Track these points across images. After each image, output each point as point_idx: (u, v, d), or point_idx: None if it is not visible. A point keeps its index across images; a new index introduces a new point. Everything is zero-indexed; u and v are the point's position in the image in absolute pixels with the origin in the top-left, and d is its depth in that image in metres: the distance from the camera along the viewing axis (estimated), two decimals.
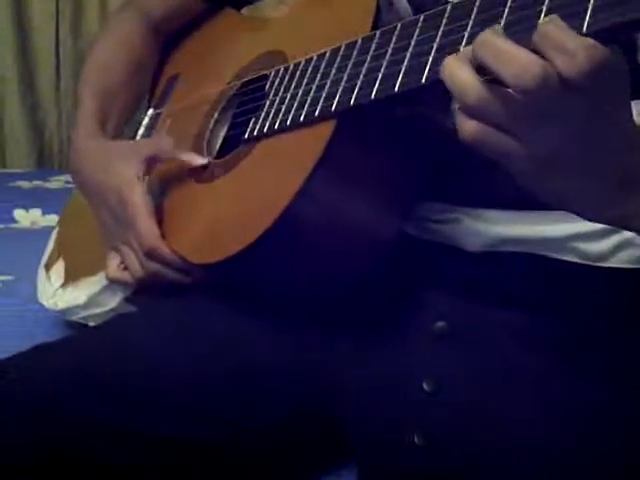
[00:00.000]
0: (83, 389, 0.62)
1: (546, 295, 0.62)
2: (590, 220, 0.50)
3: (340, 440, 0.65)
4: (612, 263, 0.62)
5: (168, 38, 0.90)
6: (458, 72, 0.43)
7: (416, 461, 0.60)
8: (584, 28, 0.40)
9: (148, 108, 0.88)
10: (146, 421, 0.61)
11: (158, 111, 0.86)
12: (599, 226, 0.61)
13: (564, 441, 0.58)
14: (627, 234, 0.61)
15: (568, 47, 0.40)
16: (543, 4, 0.42)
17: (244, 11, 0.85)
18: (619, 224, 0.51)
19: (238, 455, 0.64)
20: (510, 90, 0.41)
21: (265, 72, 0.68)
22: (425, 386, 0.61)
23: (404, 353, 0.63)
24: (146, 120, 0.87)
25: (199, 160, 0.71)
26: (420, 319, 0.63)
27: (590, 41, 0.40)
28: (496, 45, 0.41)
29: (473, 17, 0.47)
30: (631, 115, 0.45)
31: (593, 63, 0.40)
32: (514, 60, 0.41)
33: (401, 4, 0.62)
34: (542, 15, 0.42)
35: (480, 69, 0.42)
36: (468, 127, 0.44)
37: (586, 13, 0.40)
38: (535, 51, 0.41)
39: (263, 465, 0.65)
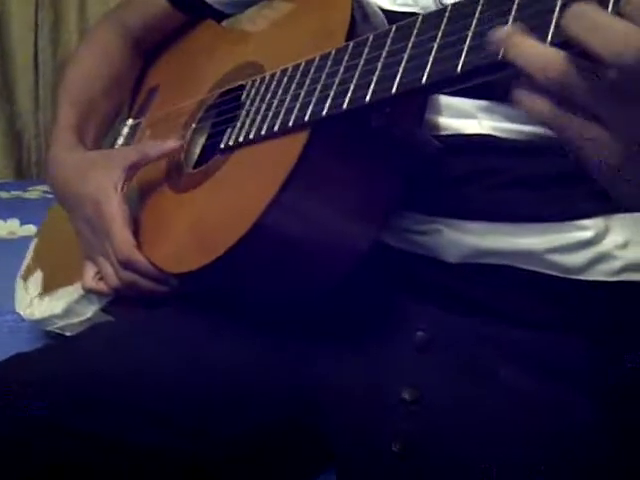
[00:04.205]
0: (61, 399, 0.61)
1: (525, 307, 0.63)
2: None
3: (321, 449, 0.65)
4: (590, 276, 0.62)
5: (148, 49, 0.90)
6: (528, 44, 0.38)
7: (396, 470, 0.60)
8: None
9: (128, 118, 0.88)
10: (126, 432, 0.61)
11: (138, 121, 0.86)
12: (576, 239, 0.62)
13: (543, 454, 0.58)
14: (604, 247, 0.62)
15: None
16: (510, 14, 0.42)
17: (224, 23, 0.86)
18: None
19: (220, 466, 0.63)
20: (601, 67, 0.36)
21: (242, 82, 0.69)
22: (405, 395, 0.61)
23: (384, 362, 0.63)
24: (125, 130, 0.87)
25: (171, 143, 0.72)
26: (401, 329, 0.64)
27: None
28: (592, 17, 0.36)
29: (442, 28, 0.47)
30: None
31: None
32: (612, 30, 0.35)
33: (376, 16, 0.63)
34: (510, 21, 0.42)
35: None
36: (540, 106, 0.38)
37: None
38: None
39: (245, 475, 0.65)
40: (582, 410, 0.60)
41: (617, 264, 0.62)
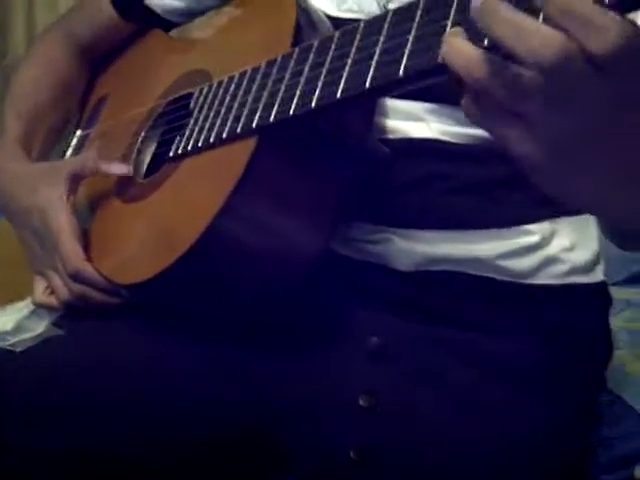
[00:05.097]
0: (10, 415, 0.60)
1: (477, 312, 0.63)
2: (593, 213, 0.47)
3: (277, 458, 0.65)
4: (539, 279, 0.63)
5: (97, 58, 0.89)
6: (459, 45, 0.39)
7: (353, 476, 0.60)
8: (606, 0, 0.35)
9: (77, 129, 0.87)
10: (78, 443, 0.60)
11: (86, 132, 0.85)
12: (524, 244, 0.63)
13: (499, 457, 0.59)
14: (551, 251, 0.63)
15: (597, 22, 0.35)
16: (448, 19, 0.43)
17: (173, 32, 0.85)
18: (620, 221, 0.47)
19: (176, 475, 0.63)
20: (521, 67, 0.37)
21: (190, 90, 0.68)
22: (361, 402, 0.61)
23: (339, 370, 0.63)
24: (74, 141, 0.86)
25: (121, 168, 0.70)
26: (355, 336, 0.64)
27: (617, 16, 0.35)
28: (510, 18, 0.37)
29: (384, 33, 0.47)
30: None
31: (626, 41, 0.35)
32: (534, 33, 0.36)
33: (322, 22, 0.63)
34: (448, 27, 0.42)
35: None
36: (471, 107, 0.40)
37: None
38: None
39: None
40: (536, 410, 0.61)
41: (564, 267, 0.63)
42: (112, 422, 0.61)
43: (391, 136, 0.63)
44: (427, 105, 0.62)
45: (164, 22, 0.84)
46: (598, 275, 0.66)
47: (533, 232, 0.63)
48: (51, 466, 0.60)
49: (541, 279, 0.63)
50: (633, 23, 0.36)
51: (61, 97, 0.85)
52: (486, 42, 0.38)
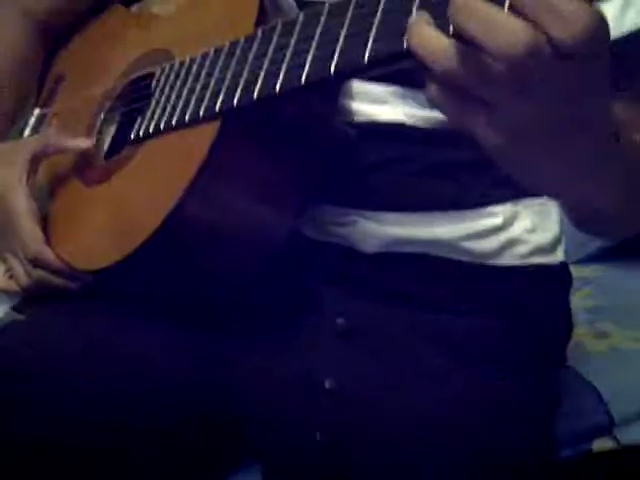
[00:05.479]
0: None
1: (440, 294, 0.64)
2: (551, 196, 0.48)
3: (243, 440, 0.65)
4: (500, 260, 0.64)
5: (54, 35, 0.86)
6: (426, 32, 0.38)
7: (318, 459, 0.60)
8: None
9: (34, 107, 0.85)
10: (49, 432, 0.59)
11: (45, 111, 0.83)
12: (487, 225, 0.63)
13: (461, 436, 0.59)
14: (514, 232, 0.64)
15: (564, 10, 0.35)
16: (414, 3, 0.42)
17: (133, 8, 0.83)
18: (580, 205, 0.48)
19: (142, 460, 0.62)
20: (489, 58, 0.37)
21: (151, 70, 0.67)
22: (327, 384, 0.61)
23: (305, 352, 0.63)
24: (32, 120, 0.83)
25: (84, 142, 0.69)
26: (320, 318, 0.64)
27: (584, 4, 0.36)
28: (479, 9, 0.36)
29: (349, 16, 0.47)
30: (609, 97, 0.41)
31: (590, 28, 0.35)
32: (501, 26, 0.36)
33: (286, 3, 0.62)
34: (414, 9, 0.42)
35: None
36: (433, 89, 0.39)
37: None
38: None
39: (167, 469, 0.64)
40: (499, 387, 0.62)
41: (526, 248, 0.65)
42: (75, 407, 0.60)
43: (356, 119, 0.62)
44: (392, 88, 0.62)
45: None
46: (559, 256, 0.67)
47: (496, 214, 0.64)
48: (17, 455, 0.59)
49: (504, 260, 0.64)
50: (597, 10, 0.36)
51: (16, 76, 0.82)
52: (451, 29, 0.38)
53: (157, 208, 0.56)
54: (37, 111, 0.84)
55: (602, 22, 0.36)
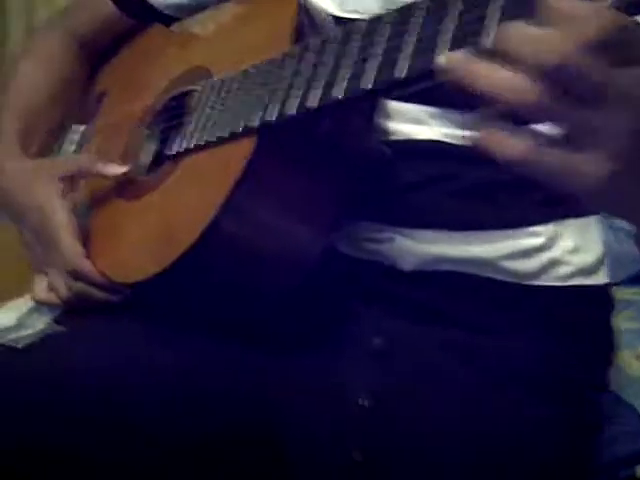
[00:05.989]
0: (16, 411, 0.60)
1: (480, 313, 0.63)
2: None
3: (279, 459, 0.64)
4: (542, 281, 0.63)
5: (97, 54, 0.88)
6: (492, 71, 0.36)
7: (355, 477, 0.60)
8: None
9: (77, 124, 0.87)
10: (83, 443, 0.60)
11: (86, 127, 0.85)
12: (528, 245, 0.63)
13: (498, 457, 0.59)
14: (555, 253, 0.63)
15: (583, 12, 0.35)
16: (450, 21, 0.42)
17: (174, 27, 0.84)
18: None
19: (177, 475, 0.62)
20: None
21: (191, 88, 0.68)
22: (362, 402, 0.61)
23: (341, 369, 0.63)
24: (75, 137, 0.85)
25: (117, 169, 0.70)
26: (357, 335, 0.64)
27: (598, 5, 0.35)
28: (526, 32, 0.35)
29: (386, 34, 0.47)
30: None
31: (613, 19, 0.35)
32: (540, 42, 0.35)
33: (324, 22, 0.62)
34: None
35: None
36: (519, 145, 0.36)
37: None
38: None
39: None
40: (539, 411, 0.61)
41: (568, 269, 0.63)
42: (111, 420, 0.61)
43: (394, 138, 0.62)
44: (430, 109, 0.62)
45: (164, 17, 0.83)
46: (601, 277, 0.66)
47: (538, 234, 0.63)
48: (51, 464, 0.59)
49: (545, 281, 0.63)
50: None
51: (60, 93, 0.84)
52: (488, 45, 0.38)
53: (194, 222, 0.57)
54: (80, 127, 0.86)
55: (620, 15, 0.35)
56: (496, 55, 0.36)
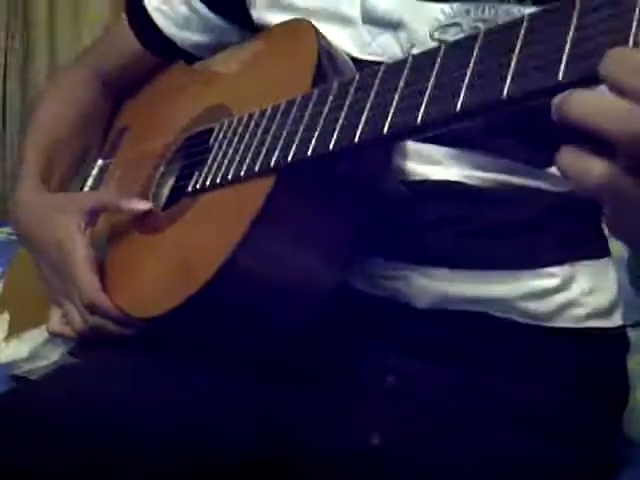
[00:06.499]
0: (21, 442, 0.60)
1: (495, 353, 0.63)
2: None
3: None
4: (558, 323, 0.63)
5: (120, 91, 0.90)
6: (594, 99, 0.34)
7: None
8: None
9: (98, 159, 0.88)
10: (98, 475, 0.59)
11: (107, 162, 0.86)
12: (544, 286, 0.63)
13: None
14: (571, 294, 0.63)
15: None
16: (468, 67, 0.43)
17: (196, 65, 0.86)
18: None
19: None
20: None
21: (210, 126, 0.69)
22: (374, 440, 0.61)
23: (353, 406, 0.63)
24: (95, 171, 0.87)
25: (141, 205, 0.70)
26: (370, 373, 0.64)
27: None
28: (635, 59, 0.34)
29: (404, 78, 0.48)
30: None
31: None
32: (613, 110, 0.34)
33: (345, 64, 0.63)
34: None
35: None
36: (598, 170, 0.35)
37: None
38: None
39: None
40: (552, 454, 0.61)
41: (583, 311, 0.63)
42: (126, 454, 0.61)
43: (411, 178, 0.63)
44: (447, 150, 0.62)
45: (187, 55, 0.85)
46: (616, 319, 0.65)
47: (554, 275, 0.63)
48: None
49: (560, 322, 0.63)
50: None
51: (82, 129, 0.86)
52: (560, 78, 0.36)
53: (211, 259, 0.57)
54: (100, 162, 0.87)
55: None
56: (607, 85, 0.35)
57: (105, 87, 0.88)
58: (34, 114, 0.86)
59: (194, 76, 0.82)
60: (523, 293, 0.62)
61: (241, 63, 0.73)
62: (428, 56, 0.47)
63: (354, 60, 0.64)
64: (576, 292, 0.63)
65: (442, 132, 0.46)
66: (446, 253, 0.63)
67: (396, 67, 0.49)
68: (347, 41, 0.65)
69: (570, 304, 0.63)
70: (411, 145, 0.62)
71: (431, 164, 0.63)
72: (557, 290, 0.63)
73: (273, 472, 0.64)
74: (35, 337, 0.77)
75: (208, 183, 0.63)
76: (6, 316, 0.85)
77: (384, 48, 0.63)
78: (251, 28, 0.75)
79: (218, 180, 0.62)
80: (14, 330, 0.82)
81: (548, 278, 0.63)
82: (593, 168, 0.35)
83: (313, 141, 0.53)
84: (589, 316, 0.64)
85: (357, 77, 0.53)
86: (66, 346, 0.74)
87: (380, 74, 0.50)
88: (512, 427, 0.61)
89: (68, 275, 0.70)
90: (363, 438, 0.61)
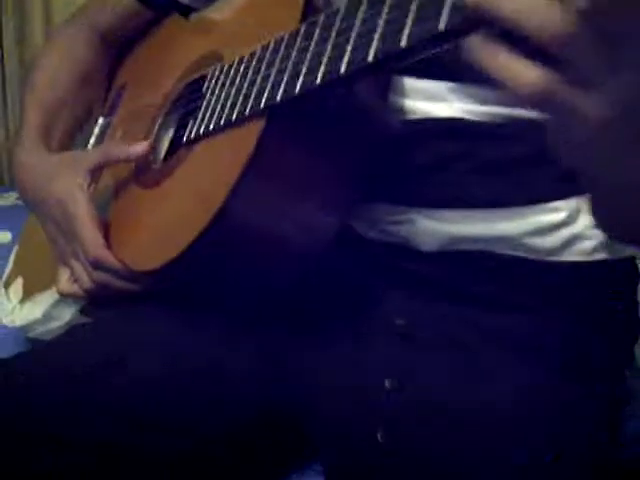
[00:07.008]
0: (37, 404, 0.60)
1: (503, 292, 0.62)
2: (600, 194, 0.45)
3: (305, 440, 0.64)
4: (565, 257, 0.62)
5: (118, 47, 0.89)
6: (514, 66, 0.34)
7: (379, 458, 0.59)
8: None
9: (99, 117, 0.87)
10: (113, 434, 0.60)
11: (108, 119, 0.85)
12: (550, 221, 0.61)
13: (529, 438, 0.57)
14: (578, 228, 0.62)
15: None
16: None
17: (192, 17, 0.84)
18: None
19: (204, 462, 0.63)
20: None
21: (203, 73, 0.67)
22: (387, 384, 0.60)
23: (365, 351, 0.63)
24: (97, 129, 0.86)
25: (138, 147, 0.70)
26: (380, 317, 0.63)
27: None
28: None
29: (388, 2, 0.46)
30: None
31: None
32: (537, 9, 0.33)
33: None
34: None
35: None
36: (531, 76, 0.35)
37: None
38: None
39: (228, 471, 0.64)
40: (563, 388, 0.60)
41: (590, 244, 0.62)
42: (139, 410, 0.61)
43: (412, 116, 0.61)
44: (448, 84, 0.60)
45: (183, 8, 0.83)
46: (625, 250, 0.64)
47: (560, 209, 0.61)
48: (80, 459, 0.60)
49: (567, 256, 0.62)
50: None
51: (81, 87, 0.85)
52: None
53: (207, 205, 0.56)
54: (101, 120, 0.86)
55: None
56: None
57: (103, 44, 0.87)
58: (32, 74, 0.85)
59: (189, 27, 0.80)
60: (529, 229, 0.61)
61: (233, 8, 0.72)
62: None
63: None
64: (583, 225, 0.62)
65: (429, 55, 0.44)
66: (450, 193, 0.62)
67: None
68: None
69: (577, 237, 0.62)
70: (410, 81, 0.60)
71: (432, 100, 0.61)
72: (563, 224, 0.61)
73: (283, 422, 0.64)
74: (47, 298, 0.78)
75: (202, 131, 0.62)
76: (20, 280, 0.86)
77: None
78: None
79: (211, 127, 0.61)
80: (27, 293, 0.83)
81: (554, 213, 0.61)
82: (526, 72, 0.34)
83: (301, 77, 0.51)
84: (597, 249, 0.62)
85: (342, 7, 0.51)
86: (78, 305, 0.74)
87: (365, 1, 0.48)
88: (523, 363, 0.60)
89: (72, 233, 0.70)
90: (377, 382, 0.60)
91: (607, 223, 0.52)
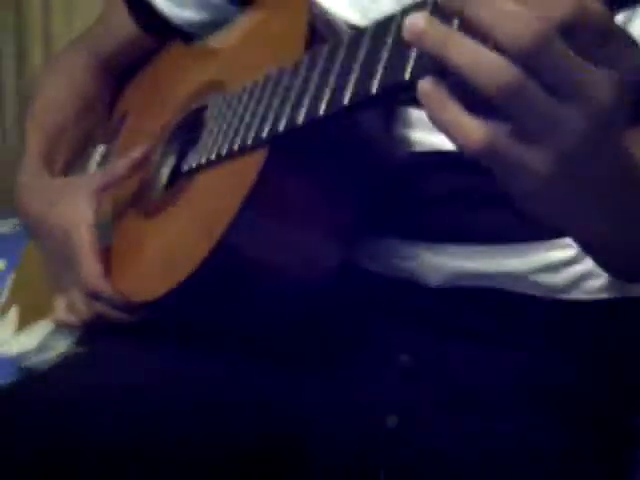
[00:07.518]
0: (29, 435, 0.59)
1: (510, 329, 0.61)
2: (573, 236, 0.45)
3: (307, 472, 0.63)
4: (574, 295, 0.61)
5: (120, 74, 0.89)
6: (470, 45, 0.34)
7: None
8: None
9: (100, 144, 0.87)
10: (107, 465, 0.58)
11: (109, 147, 0.85)
12: (558, 258, 0.60)
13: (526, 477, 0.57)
14: (588, 265, 0.61)
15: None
16: None
17: (194, 45, 0.84)
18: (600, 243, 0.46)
19: None
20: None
21: (205, 102, 0.67)
22: (388, 422, 0.60)
23: (368, 387, 0.62)
24: (97, 156, 0.85)
25: (136, 153, 0.71)
26: (384, 353, 0.62)
27: None
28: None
29: (392, 36, 0.45)
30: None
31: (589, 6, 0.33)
32: (511, 15, 0.33)
33: (341, 30, 0.61)
34: None
35: None
36: (480, 131, 0.36)
37: None
38: None
39: None
40: (569, 432, 0.59)
41: (599, 282, 0.61)
42: (136, 439, 0.59)
43: (418, 148, 0.60)
44: None
45: (186, 35, 0.83)
46: (634, 289, 0.62)
47: (569, 246, 0.60)
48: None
49: (576, 295, 0.61)
50: None
51: (83, 113, 0.84)
52: (456, 23, 0.35)
53: (206, 239, 0.56)
54: (102, 147, 0.86)
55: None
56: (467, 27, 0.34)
57: (104, 71, 0.87)
58: (34, 97, 0.85)
59: (191, 55, 0.80)
60: (538, 266, 0.60)
61: (235, 36, 0.72)
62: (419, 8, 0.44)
63: (355, 28, 0.61)
64: (592, 263, 0.60)
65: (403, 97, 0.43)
66: (456, 228, 0.61)
67: (386, 22, 0.47)
68: (346, 7, 0.63)
69: (586, 275, 0.60)
70: (417, 113, 0.60)
71: (439, 133, 0.60)
72: (572, 261, 0.60)
73: (288, 456, 0.62)
74: (43, 328, 0.77)
75: (203, 161, 0.62)
76: (16, 308, 0.85)
77: (385, 13, 0.61)
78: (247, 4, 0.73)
79: (213, 157, 0.60)
80: (24, 322, 0.82)
81: (563, 250, 0.60)
82: (471, 129, 0.36)
83: (304, 108, 0.51)
84: (606, 287, 0.61)
85: (347, 39, 0.50)
86: (73, 335, 0.73)
87: (369, 32, 0.48)
88: (529, 404, 0.59)
89: (72, 261, 0.69)
90: (379, 419, 0.60)
91: (598, 262, 0.52)
